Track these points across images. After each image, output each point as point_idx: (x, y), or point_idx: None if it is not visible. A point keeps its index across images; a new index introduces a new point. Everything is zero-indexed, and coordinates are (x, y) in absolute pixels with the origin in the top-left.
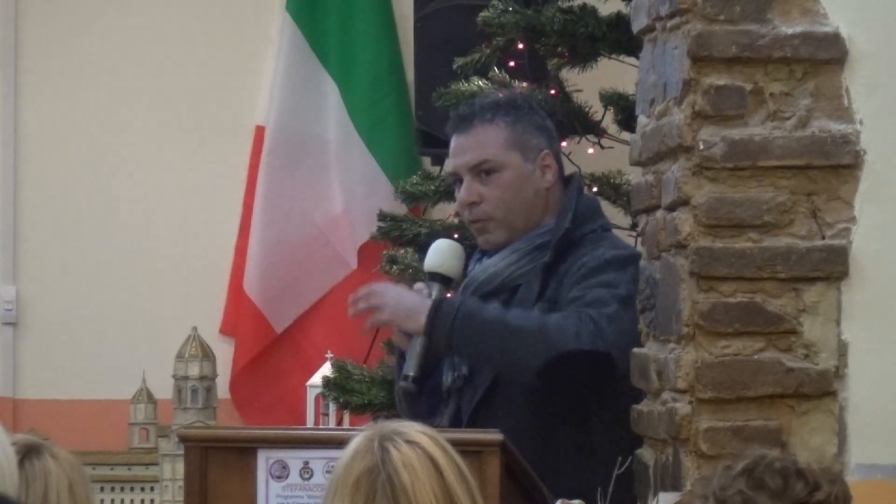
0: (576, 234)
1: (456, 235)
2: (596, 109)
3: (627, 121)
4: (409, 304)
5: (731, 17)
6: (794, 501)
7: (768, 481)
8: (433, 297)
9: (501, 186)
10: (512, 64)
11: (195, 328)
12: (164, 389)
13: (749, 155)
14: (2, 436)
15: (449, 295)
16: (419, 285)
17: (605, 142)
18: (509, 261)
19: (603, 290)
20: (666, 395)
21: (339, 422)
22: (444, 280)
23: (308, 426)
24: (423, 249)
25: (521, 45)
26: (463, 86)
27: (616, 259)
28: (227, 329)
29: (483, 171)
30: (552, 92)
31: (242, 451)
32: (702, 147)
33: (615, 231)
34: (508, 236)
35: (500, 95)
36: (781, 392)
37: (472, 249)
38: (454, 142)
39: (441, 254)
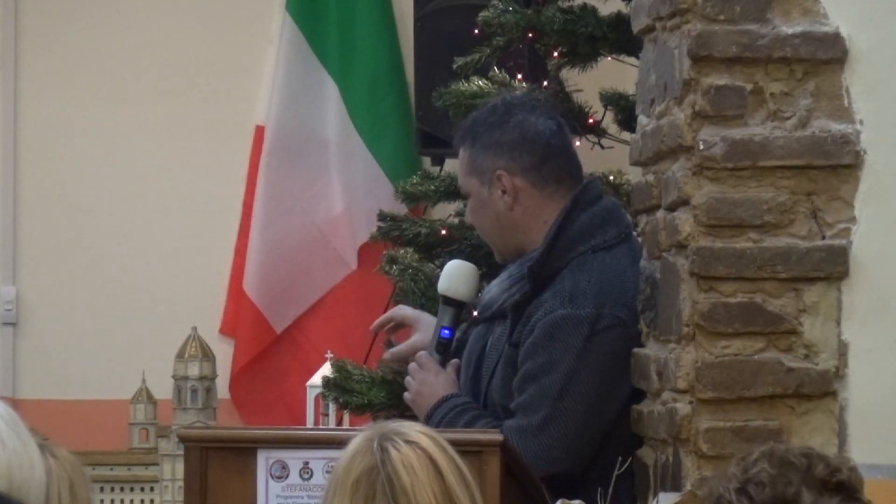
0: (557, 263)
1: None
2: (596, 109)
3: (627, 121)
4: (427, 393)
5: (731, 17)
6: (817, 479)
7: (793, 460)
8: (440, 323)
9: (472, 212)
10: (514, 64)
11: (195, 328)
12: (164, 389)
13: (749, 155)
14: (25, 432)
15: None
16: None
17: (605, 142)
18: (503, 287)
19: (534, 387)
20: (666, 396)
21: (339, 422)
22: (454, 303)
23: (308, 426)
24: (423, 250)
25: (521, 46)
26: (463, 86)
27: (567, 321)
28: (227, 329)
29: (464, 195)
30: (552, 92)
31: (242, 451)
32: (702, 147)
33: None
34: (502, 256)
35: (488, 104)
36: (781, 392)
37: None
38: None
39: (449, 277)
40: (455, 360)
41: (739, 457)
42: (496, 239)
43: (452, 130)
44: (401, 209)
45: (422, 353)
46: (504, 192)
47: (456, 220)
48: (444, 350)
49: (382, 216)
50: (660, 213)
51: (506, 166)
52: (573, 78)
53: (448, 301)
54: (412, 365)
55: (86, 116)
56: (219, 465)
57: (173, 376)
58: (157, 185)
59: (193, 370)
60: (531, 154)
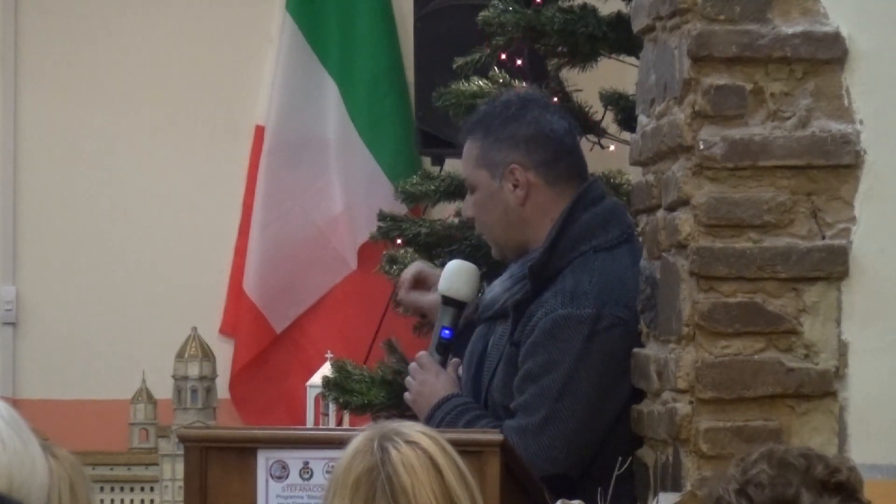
0: (559, 262)
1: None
2: (596, 109)
3: (627, 121)
4: (427, 393)
5: (731, 17)
6: (817, 480)
7: (792, 461)
8: (441, 323)
9: (476, 205)
10: (514, 64)
11: (195, 328)
12: (164, 389)
13: (749, 155)
14: (27, 432)
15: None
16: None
17: (605, 142)
18: (506, 286)
19: (534, 387)
20: (666, 396)
21: (339, 422)
22: (455, 303)
23: (308, 426)
24: (423, 250)
25: (521, 45)
26: (463, 86)
27: (568, 321)
28: (227, 329)
29: (468, 188)
30: (552, 92)
31: (242, 451)
32: (702, 147)
33: None
34: (502, 252)
35: (500, 98)
36: (781, 392)
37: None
38: None
39: (449, 277)
40: (456, 360)
41: (739, 458)
42: (499, 234)
43: (453, 130)
44: (401, 209)
45: (422, 353)
46: (516, 185)
47: (456, 221)
48: (445, 350)
49: (382, 216)
50: (660, 213)
51: (520, 160)
52: (573, 78)
53: (448, 301)
54: (412, 365)
55: (86, 117)
56: (219, 465)
57: (173, 376)
58: (158, 186)
59: (193, 370)
60: (546, 150)
